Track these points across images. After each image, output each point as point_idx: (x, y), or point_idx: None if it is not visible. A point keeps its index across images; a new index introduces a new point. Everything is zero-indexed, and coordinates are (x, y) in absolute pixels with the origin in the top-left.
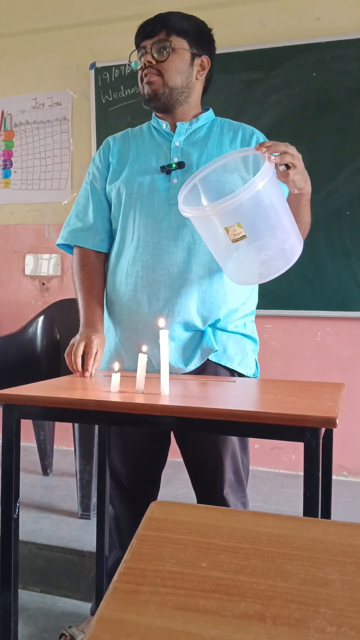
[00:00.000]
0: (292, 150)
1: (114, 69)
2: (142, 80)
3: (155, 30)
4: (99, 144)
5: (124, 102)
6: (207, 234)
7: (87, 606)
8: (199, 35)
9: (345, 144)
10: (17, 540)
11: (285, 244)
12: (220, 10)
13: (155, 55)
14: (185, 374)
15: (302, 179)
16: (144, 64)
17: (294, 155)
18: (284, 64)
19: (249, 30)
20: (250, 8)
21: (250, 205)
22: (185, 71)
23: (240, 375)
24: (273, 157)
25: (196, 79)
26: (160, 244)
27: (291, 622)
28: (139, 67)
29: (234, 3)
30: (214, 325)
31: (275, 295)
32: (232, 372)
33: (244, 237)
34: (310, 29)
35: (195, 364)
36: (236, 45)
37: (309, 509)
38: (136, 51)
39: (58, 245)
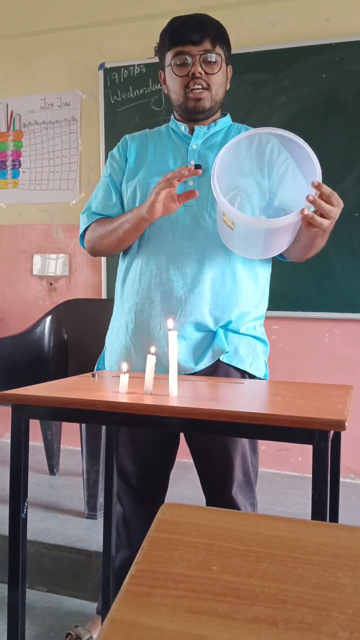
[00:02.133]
0: (335, 213)
1: (122, 69)
2: (185, 90)
3: (202, 37)
4: (107, 144)
5: (132, 103)
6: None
7: (93, 606)
8: (229, 43)
9: (354, 145)
10: (24, 539)
11: (264, 249)
12: (229, 11)
13: (203, 66)
14: (195, 373)
15: (322, 233)
16: (192, 74)
17: (322, 223)
18: (293, 65)
19: (258, 31)
20: (259, 9)
21: (261, 231)
22: (224, 83)
23: (251, 376)
24: (306, 211)
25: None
26: (174, 244)
27: (303, 627)
28: (183, 74)
29: (243, 4)
30: (225, 327)
31: (283, 296)
32: (243, 373)
33: (230, 228)
34: (320, 30)
35: (205, 363)
36: (245, 46)
37: (317, 512)
38: (176, 55)
39: (81, 235)
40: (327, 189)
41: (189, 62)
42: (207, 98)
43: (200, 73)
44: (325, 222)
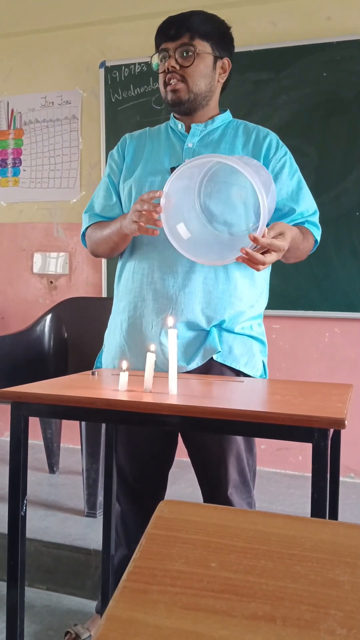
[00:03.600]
0: (271, 260)
1: (123, 67)
2: (165, 85)
3: (179, 33)
4: (108, 142)
5: (133, 101)
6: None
7: (92, 604)
8: (222, 37)
9: (355, 145)
10: (24, 537)
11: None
12: (231, 10)
13: (179, 60)
14: (186, 372)
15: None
16: (167, 69)
17: (258, 269)
18: (295, 64)
19: (260, 30)
20: (260, 8)
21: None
22: (208, 75)
23: (247, 376)
24: (240, 260)
25: (218, 81)
26: (166, 242)
27: (301, 624)
28: (161, 71)
29: (244, 3)
30: (219, 326)
31: (283, 295)
32: (238, 373)
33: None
34: (321, 29)
35: (197, 362)
36: (247, 45)
37: (317, 511)
38: (157, 53)
39: (83, 234)
40: (264, 242)
41: (166, 58)
42: (182, 90)
43: (173, 67)
44: (261, 267)
